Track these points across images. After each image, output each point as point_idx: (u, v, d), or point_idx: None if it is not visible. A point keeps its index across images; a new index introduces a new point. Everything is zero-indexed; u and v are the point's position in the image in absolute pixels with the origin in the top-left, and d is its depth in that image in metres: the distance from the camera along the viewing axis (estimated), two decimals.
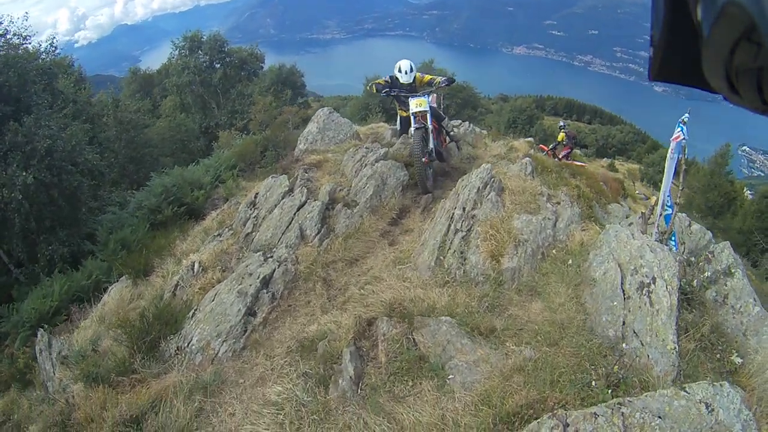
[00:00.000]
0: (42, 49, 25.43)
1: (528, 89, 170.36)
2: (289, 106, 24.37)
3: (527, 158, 10.97)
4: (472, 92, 61.20)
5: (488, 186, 9.10)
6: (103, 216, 18.83)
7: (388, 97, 11.99)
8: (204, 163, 21.33)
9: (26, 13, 24.15)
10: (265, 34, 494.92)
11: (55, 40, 27.69)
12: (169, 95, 51.65)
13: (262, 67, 56.46)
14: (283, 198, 11.57)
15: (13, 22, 22.43)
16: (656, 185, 49.76)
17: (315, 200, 11.14)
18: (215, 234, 12.29)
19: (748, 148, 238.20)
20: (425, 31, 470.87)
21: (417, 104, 11.19)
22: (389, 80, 12.12)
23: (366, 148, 13.32)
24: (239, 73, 51.72)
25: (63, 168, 18.35)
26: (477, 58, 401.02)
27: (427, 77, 11.97)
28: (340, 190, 11.77)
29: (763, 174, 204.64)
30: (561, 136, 25.28)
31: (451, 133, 13.81)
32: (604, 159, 76.17)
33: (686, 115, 12.48)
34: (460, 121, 19.84)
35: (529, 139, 23.70)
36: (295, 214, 10.81)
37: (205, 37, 50.35)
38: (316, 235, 10.11)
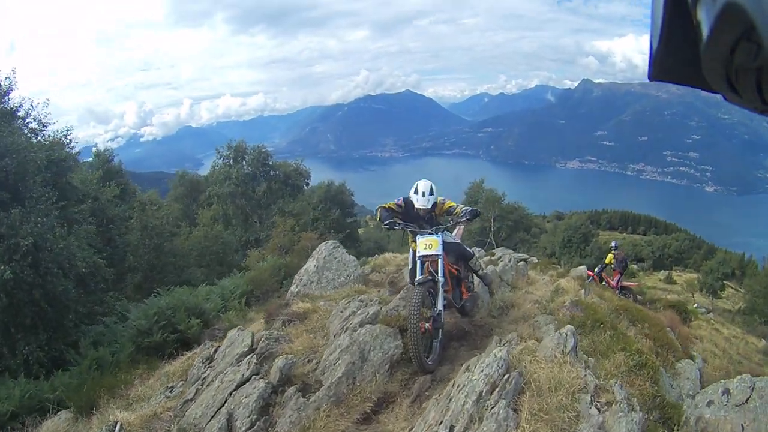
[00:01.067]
0: (55, 139, 24.01)
1: (582, 204, 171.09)
2: (309, 232, 22.03)
3: (568, 327, 7.37)
4: (523, 213, 59.75)
5: (498, 388, 5.78)
6: (92, 327, 17.67)
7: (394, 230, 9.39)
8: (218, 285, 19.82)
9: (47, 100, 23.28)
10: (326, 149, 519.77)
11: (69, 132, 26.51)
12: (213, 204, 50.35)
13: (307, 183, 55.53)
14: (239, 360, 9.07)
15: (33, 107, 21.99)
16: (716, 294, 51.75)
17: (261, 378, 8.17)
18: (168, 386, 10.14)
19: None
20: (481, 149, 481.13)
21: (426, 245, 8.60)
22: (401, 204, 9.47)
23: (361, 300, 10.33)
24: (283, 188, 50.60)
25: (48, 270, 16.82)
26: (531, 174, 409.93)
27: (448, 204, 9.38)
28: (307, 362, 8.74)
29: None
30: (609, 257, 22.54)
31: (481, 272, 10.73)
32: (662, 271, 75.09)
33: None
34: (500, 253, 17.41)
35: (581, 268, 22.02)
36: (231, 393, 8.03)
37: (249, 148, 49.71)
38: (248, 430, 7.30)
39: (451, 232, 9.73)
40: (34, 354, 16.01)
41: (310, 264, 14.28)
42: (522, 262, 17.69)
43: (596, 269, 22.58)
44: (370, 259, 23.13)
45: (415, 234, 9.04)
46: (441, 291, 8.45)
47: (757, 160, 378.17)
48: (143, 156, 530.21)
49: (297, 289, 13.51)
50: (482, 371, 6.11)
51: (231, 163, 49.04)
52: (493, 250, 25.28)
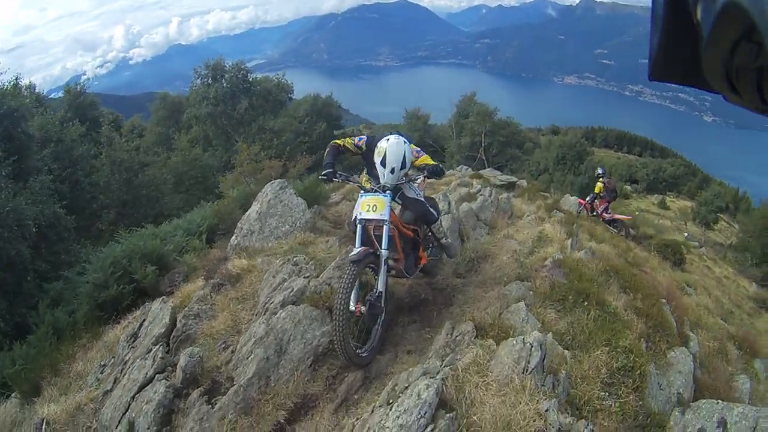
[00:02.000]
0: (5, 90, 22.43)
1: (579, 120, 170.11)
2: (272, 160, 20.19)
3: (535, 335, 5.23)
4: (516, 128, 57.55)
5: None
6: (54, 285, 15.78)
7: (333, 182, 7.40)
8: (184, 218, 18.03)
9: None
10: (319, 59, 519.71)
11: (18, 79, 25.52)
12: (192, 126, 48.95)
13: (290, 98, 54.08)
14: (155, 344, 7.54)
15: None
16: (708, 226, 52.00)
17: (165, 378, 6.59)
18: (101, 364, 8.69)
19: None
20: (477, 59, 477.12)
21: (369, 206, 6.66)
22: (362, 146, 7.52)
23: (295, 263, 8.46)
24: (265, 104, 49.00)
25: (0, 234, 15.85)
26: (529, 87, 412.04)
27: (422, 161, 7.21)
28: (224, 348, 7.03)
29: None
30: (599, 186, 21.39)
31: (443, 240, 9.13)
32: (655, 195, 76.52)
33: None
34: (479, 188, 15.79)
35: (572, 198, 21.62)
36: (134, 397, 6.51)
37: (228, 65, 47.87)
38: None
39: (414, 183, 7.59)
40: None
41: (253, 209, 12.27)
42: (505, 195, 15.93)
43: (587, 198, 21.90)
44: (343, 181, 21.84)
45: (362, 190, 7.10)
46: (383, 267, 6.54)
47: None
48: (133, 79, 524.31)
49: (237, 241, 11.65)
50: (398, 418, 4.47)
51: (210, 82, 47.18)
52: (481, 171, 24.93)
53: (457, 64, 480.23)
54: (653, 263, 16.24)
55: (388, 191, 6.77)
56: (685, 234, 39.04)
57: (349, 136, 7.66)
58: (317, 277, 7.90)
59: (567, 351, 6.14)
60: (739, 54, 0.79)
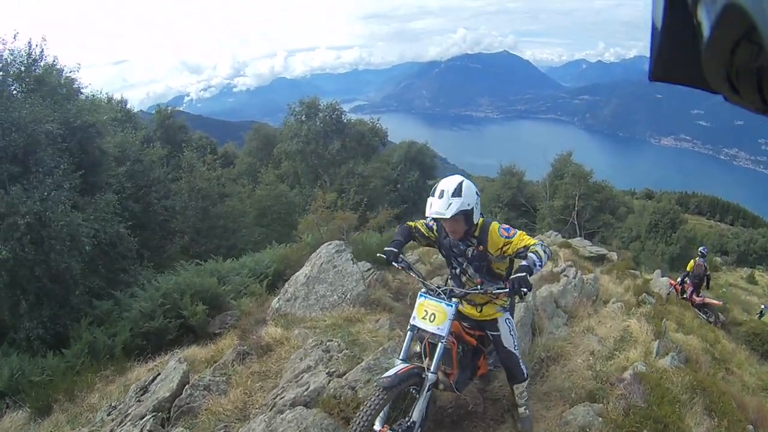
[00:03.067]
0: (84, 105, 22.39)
1: (673, 184, 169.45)
2: (345, 212, 19.30)
3: None
4: (611, 193, 55.08)
5: None
6: (102, 302, 16.11)
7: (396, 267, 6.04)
8: (252, 258, 18.00)
9: (78, 64, 22.72)
10: (420, 105, 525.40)
11: (107, 94, 26.40)
12: (282, 161, 49.04)
13: (383, 144, 53.53)
14: (156, 412, 6.90)
15: (61, 73, 21.61)
16: None
17: None
18: (112, 405, 8.26)
19: None
20: (576, 116, 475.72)
21: (426, 311, 5.49)
22: (433, 230, 6.08)
23: (325, 349, 7.43)
24: (357, 147, 48.43)
25: (52, 247, 16.03)
26: (625, 147, 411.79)
27: (518, 243, 5.56)
28: None
29: None
30: (690, 264, 20.63)
31: (521, 410, 6.65)
32: (744, 268, 71.81)
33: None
34: (564, 266, 14.79)
35: (663, 280, 20.33)
36: None
37: (323, 105, 47.61)
38: None
39: (506, 299, 6.16)
40: (35, 330, 15.49)
41: (303, 272, 11.06)
42: (592, 276, 14.79)
43: (678, 279, 20.98)
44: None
45: (427, 291, 5.77)
46: (426, 393, 5.31)
47: None
48: (236, 106, 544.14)
49: (278, 305, 10.55)
50: None
51: (303, 119, 46.78)
52: (570, 240, 23.91)
53: (556, 119, 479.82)
54: (740, 358, 15.64)
55: (454, 300, 5.53)
56: (762, 306, 37.00)
57: (423, 219, 6.11)
58: (343, 375, 6.70)
59: None
60: (739, 54, 0.79)
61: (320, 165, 46.59)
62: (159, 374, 8.15)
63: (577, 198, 47.40)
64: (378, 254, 6.13)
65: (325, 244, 11.78)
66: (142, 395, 7.76)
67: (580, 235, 40.31)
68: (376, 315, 9.64)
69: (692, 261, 20.59)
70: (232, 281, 15.21)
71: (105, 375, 10.33)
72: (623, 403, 6.96)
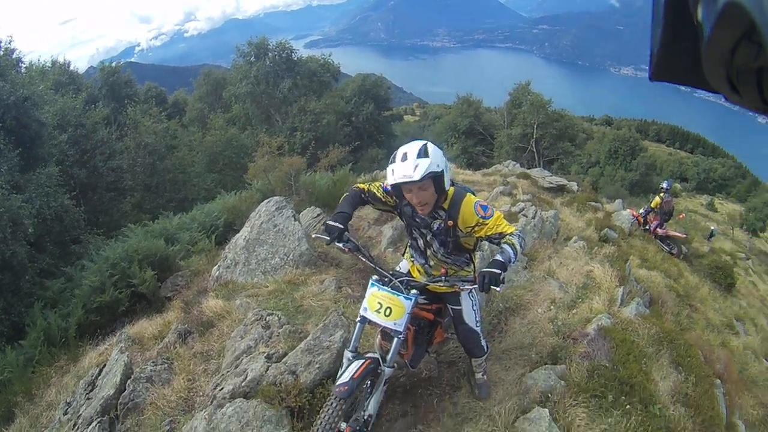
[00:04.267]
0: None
1: (633, 112, 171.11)
2: (292, 157, 18.15)
3: None
4: (570, 121, 54.39)
5: None
6: (53, 281, 15.04)
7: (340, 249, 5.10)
8: (200, 210, 17.03)
9: (9, 37, 21.61)
10: (376, 38, 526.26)
11: (29, 68, 25.65)
12: (234, 104, 47.48)
13: (336, 79, 51.99)
14: (103, 415, 6.13)
15: None
16: (755, 233, 51.53)
17: None
18: (67, 401, 7.34)
19: None
20: (534, 45, 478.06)
21: (380, 307, 4.70)
22: (392, 194, 4.98)
23: (264, 325, 6.67)
24: (309, 85, 47.28)
25: None
26: (584, 76, 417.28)
27: (493, 226, 4.67)
28: None
29: None
30: (656, 201, 20.03)
31: (479, 376, 6.00)
32: (705, 196, 75.89)
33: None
34: (522, 205, 13.96)
35: (625, 213, 19.91)
36: None
37: (272, 44, 46.41)
38: None
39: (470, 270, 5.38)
40: None
41: (242, 234, 10.11)
42: (552, 214, 13.70)
43: (641, 211, 20.61)
44: (375, 174, 20.86)
45: (379, 277, 4.93)
46: (381, 387, 4.78)
47: None
48: (187, 51, 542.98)
49: (218, 272, 9.63)
50: None
51: (252, 60, 45.59)
52: (530, 170, 23.31)
53: (514, 48, 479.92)
54: (704, 292, 15.67)
55: (414, 292, 4.76)
56: (713, 227, 38.71)
57: (381, 181, 5.20)
58: (282, 358, 5.99)
59: None
60: (739, 54, 0.79)
61: (271, 105, 45.62)
62: (105, 365, 7.43)
63: (535, 126, 47.27)
64: (314, 234, 5.66)
65: (264, 202, 10.83)
66: (90, 391, 7.03)
67: (539, 163, 40.20)
68: (321, 274, 8.91)
69: (657, 197, 20.17)
70: (181, 239, 14.49)
71: (59, 366, 9.55)
72: (587, 364, 6.39)
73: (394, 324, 4.60)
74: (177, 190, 29.14)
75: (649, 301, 10.20)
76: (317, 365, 5.65)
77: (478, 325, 5.36)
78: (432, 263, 5.14)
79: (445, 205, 4.70)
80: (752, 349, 13.40)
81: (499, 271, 4.26)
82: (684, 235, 20.12)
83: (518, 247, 4.51)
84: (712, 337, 11.44)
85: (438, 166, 4.32)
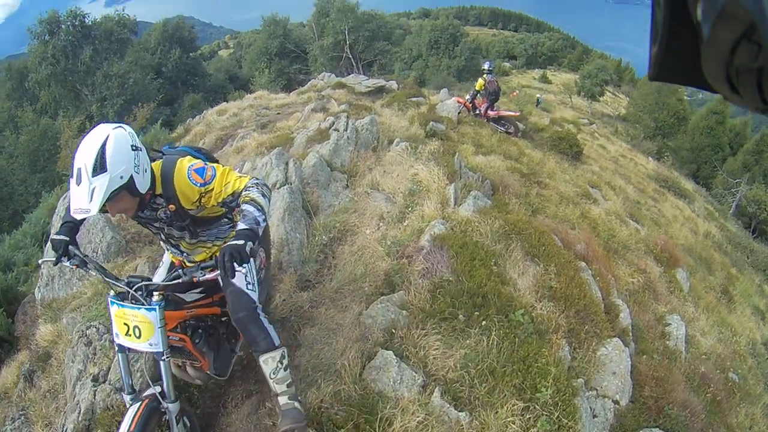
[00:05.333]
0: None
1: (449, 1, 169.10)
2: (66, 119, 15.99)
3: None
4: (382, 20, 54.54)
5: None
6: None
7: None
8: (24, 228, 14.72)
9: None
10: None
11: None
12: (40, 92, 43.37)
13: (136, 33, 49.11)
14: None
15: None
16: (594, 98, 50.76)
17: None
18: None
19: None
20: None
21: (127, 326, 3.71)
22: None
23: (87, 339, 5.67)
24: (110, 47, 44.06)
25: None
26: None
27: (228, 184, 3.63)
28: None
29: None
30: (480, 83, 19.30)
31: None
32: (536, 70, 75.62)
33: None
34: (332, 120, 12.76)
35: (450, 102, 18.63)
36: None
37: (62, 15, 42.59)
38: None
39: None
40: None
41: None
42: (367, 120, 12.52)
43: (467, 97, 19.86)
44: (187, 124, 19.01)
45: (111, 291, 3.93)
46: (178, 427, 3.91)
47: None
48: None
49: (40, 294, 8.11)
50: None
51: (47, 38, 41.94)
52: (344, 79, 21.81)
53: None
54: (551, 167, 15.13)
55: (156, 300, 3.73)
56: (538, 95, 39.05)
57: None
58: (107, 376, 5.21)
59: (463, 414, 4.28)
60: (739, 54, 0.77)
61: (77, 80, 42.40)
62: None
63: (346, 32, 46.74)
64: (41, 260, 4.64)
65: (62, 198, 9.59)
66: None
67: (358, 69, 39.45)
68: (135, 259, 7.78)
69: (480, 79, 19.44)
70: (18, 261, 12.47)
71: None
72: (427, 283, 5.63)
73: (150, 345, 3.67)
74: (4, 206, 26.41)
75: (491, 191, 9.63)
76: (138, 374, 4.86)
77: (250, 287, 4.21)
78: (189, 252, 4.19)
79: (158, 191, 3.68)
80: (615, 213, 13.43)
81: (242, 242, 3.27)
82: (517, 113, 19.97)
83: (261, 201, 3.49)
84: (568, 212, 11.12)
85: (122, 177, 3.23)
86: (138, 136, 3.52)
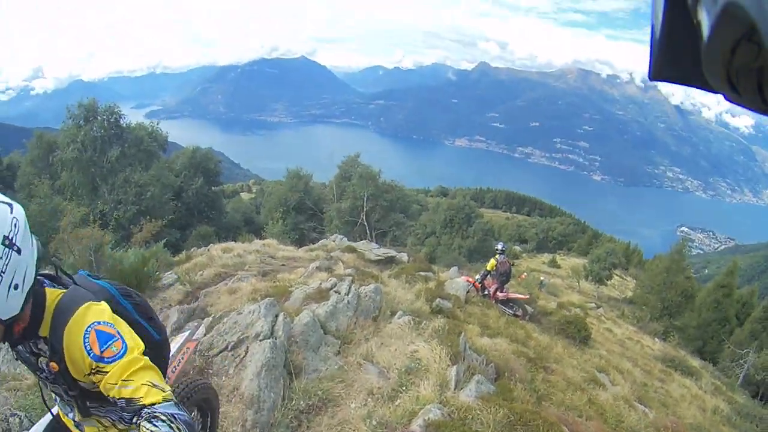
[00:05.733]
0: None
1: (468, 182, 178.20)
2: (92, 229, 15.03)
3: None
4: (401, 192, 54.21)
5: None
6: None
7: None
8: None
9: None
10: (215, 111, 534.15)
11: None
12: (62, 171, 43.59)
13: (164, 150, 50.01)
14: None
15: None
16: (602, 281, 53.41)
17: None
18: None
19: (686, 228, 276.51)
20: (370, 120, 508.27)
21: None
22: None
23: (5, 425, 5.13)
24: (137, 154, 44.59)
25: None
26: (419, 149, 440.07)
27: (115, 378, 2.36)
28: None
29: (702, 251, 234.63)
30: (492, 263, 18.91)
31: None
32: (545, 254, 78.37)
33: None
34: (334, 281, 12.03)
35: (459, 280, 18.78)
36: None
37: (100, 108, 43.31)
38: None
39: None
40: None
41: None
42: (372, 288, 11.83)
43: (477, 276, 19.34)
44: (191, 252, 18.68)
45: None
46: None
47: (648, 156, 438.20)
48: (32, 110, 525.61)
49: None
50: None
51: (81, 123, 42.44)
52: (356, 243, 21.75)
53: (350, 123, 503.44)
54: (558, 351, 14.56)
55: None
56: (542, 278, 40.36)
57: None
58: None
59: None
60: (739, 54, 0.77)
61: (98, 174, 42.44)
62: None
63: (365, 198, 46.52)
64: None
65: None
66: None
67: (371, 236, 39.17)
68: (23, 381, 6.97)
69: (493, 260, 19.05)
70: None
71: None
72: None
73: None
74: None
75: (495, 375, 8.98)
76: None
77: None
78: (79, 421, 2.94)
79: (43, 331, 2.57)
80: (624, 397, 12.78)
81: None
82: (526, 296, 19.66)
83: None
84: (575, 398, 10.46)
85: None
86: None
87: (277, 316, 8.25)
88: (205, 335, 7.88)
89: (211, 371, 7.00)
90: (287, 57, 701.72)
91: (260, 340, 7.32)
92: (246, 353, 7.03)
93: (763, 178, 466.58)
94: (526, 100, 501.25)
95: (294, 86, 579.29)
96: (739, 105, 0.84)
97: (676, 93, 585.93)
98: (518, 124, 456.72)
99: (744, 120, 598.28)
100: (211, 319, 8.95)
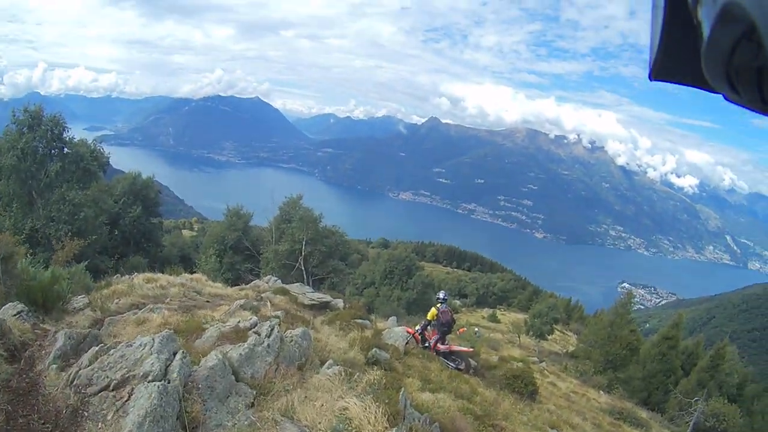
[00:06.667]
0: None
1: (410, 235, 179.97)
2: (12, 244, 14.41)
3: None
4: (341, 238, 53.64)
5: None
6: None
7: None
8: None
9: None
10: (165, 143, 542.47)
11: None
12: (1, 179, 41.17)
13: (104, 170, 47.86)
14: None
15: None
16: (543, 336, 55.95)
17: None
18: None
19: (627, 284, 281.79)
20: (317, 167, 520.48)
21: None
22: None
23: None
24: (77, 172, 42.37)
25: None
26: (363, 200, 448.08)
27: None
28: None
29: (643, 306, 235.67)
30: (432, 312, 18.44)
31: None
32: (485, 309, 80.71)
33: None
34: (254, 320, 10.97)
35: (398, 330, 18.66)
36: None
37: (45, 117, 41.30)
38: None
39: None
40: None
41: None
42: (299, 332, 10.47)
43: (417, 327, 18.90)
44: (111, 279, 17.73)
45: None
46: None
47: (591, 215, 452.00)
48: None
49: None
50: None
51: (25, 131, 40.13)
52: (289, 285, 21.05)
53: (297, 169, 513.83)
54: (506, 407, 14.40)
55: None
56: (475, 329, 42.37)
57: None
58: None
59: None
60: (739, 54, 0.80)
61: (34, 187, 40.22)
62: None
63: (304, 242, 45.77)
64: None
65: None
66: None
67: (308, 282, 38.27)
68: None
69: (434, 309, 18.62)
70: None
71: None
72: None
73: None
74: None
75: None
76: None
77: None
78: None
79: None
80: None
81: None
82: (470, 349, 19.32)
83: None
84: None
85: None
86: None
87: (174, 353, 7.18)
88: (87, 366, 6.75)
89: (86, 414, 5.93)
90: (242, 96, 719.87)
91: (148, 382, 6.24)
92: (129, 396, 5.98)
93: (706, 235, 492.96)
94: (472, 157, 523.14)
95: (245, 126, 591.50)
96: (738, 104, 0.85)
97: (622, 154, 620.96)
98: (463, 180, 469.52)
99: (688, 180, 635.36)
100: (97, 348, 7.65)
